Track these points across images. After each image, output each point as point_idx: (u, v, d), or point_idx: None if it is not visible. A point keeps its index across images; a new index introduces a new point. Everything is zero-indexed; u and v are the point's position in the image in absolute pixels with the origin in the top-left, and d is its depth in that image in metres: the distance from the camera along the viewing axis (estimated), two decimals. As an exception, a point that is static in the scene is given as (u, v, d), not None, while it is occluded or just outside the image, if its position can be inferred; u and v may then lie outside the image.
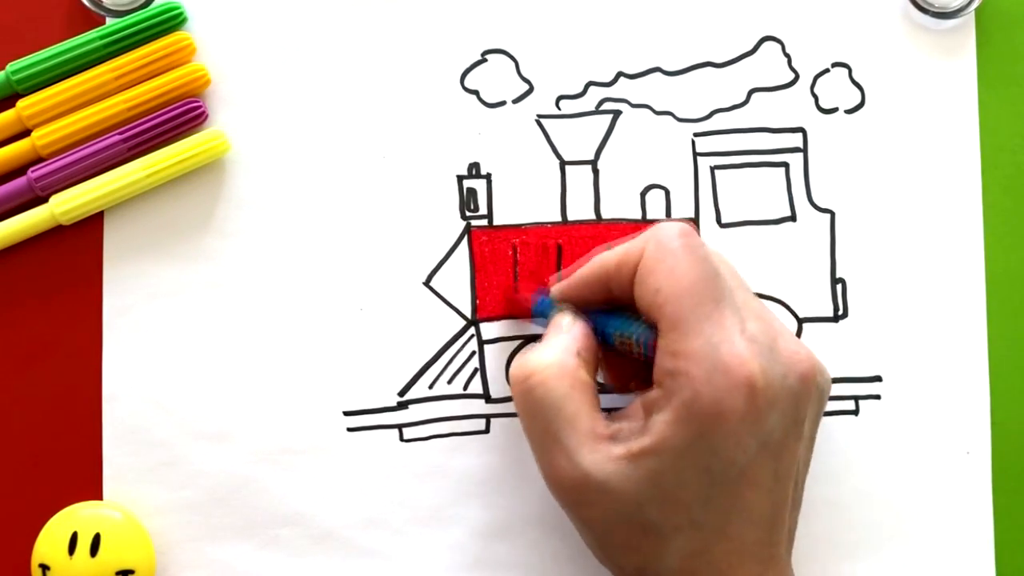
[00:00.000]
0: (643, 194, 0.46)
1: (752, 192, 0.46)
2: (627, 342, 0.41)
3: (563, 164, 0.46)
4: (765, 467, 0.38)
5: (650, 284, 0.39)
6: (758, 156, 0.46)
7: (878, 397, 0.46)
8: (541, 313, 0.43)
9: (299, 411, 0.45)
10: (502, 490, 0.45)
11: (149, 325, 0.45)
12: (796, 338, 0.40)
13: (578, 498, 0.39)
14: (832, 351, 0.46)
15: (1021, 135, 0.47)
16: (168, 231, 0.46)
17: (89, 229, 0.46)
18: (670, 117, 0.46)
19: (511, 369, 0.40)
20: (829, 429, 0.46)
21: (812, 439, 0.41)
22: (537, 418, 0.39)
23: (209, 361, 0.45)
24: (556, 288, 0.43)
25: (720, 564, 0.38)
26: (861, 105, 0.47)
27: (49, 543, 0.44)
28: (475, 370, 0.46)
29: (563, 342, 0.40)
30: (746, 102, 0.46)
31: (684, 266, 0.39)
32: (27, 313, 0.45)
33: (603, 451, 0.38)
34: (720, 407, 0.37)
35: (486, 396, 0.46)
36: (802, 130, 0.46)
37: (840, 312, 0.46)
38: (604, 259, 0.41)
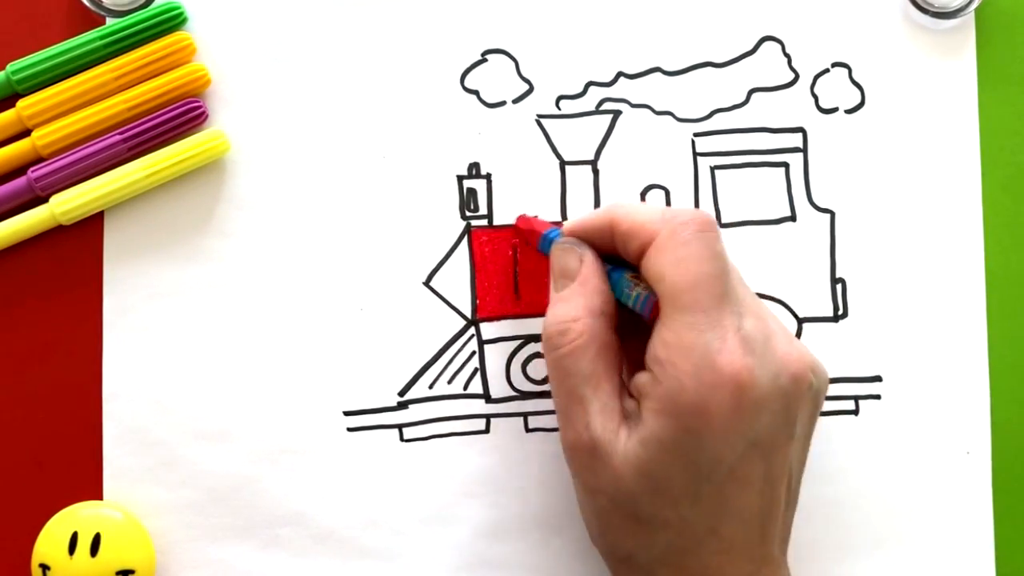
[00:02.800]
0: (643, 194, 0.46)
1: (752, 192, 0.46)
2: (627, 294, 0.41)
3: (563, 164, 0.46)
4: (755, 467, 0.38)
5: (656, 268, 0.39)
6: (758, 156, 0.46)
7: (878, 397, 0.46)
8: (547, 250, 0.43)
9: (299, 411, 0.45)
10: (502, 490, 0.45)
11: (149, 325, 0.45)
12: (793, 337, 0.40)
13: (586, 465, 0.39)
14: (832, 351, 0.46)
15: (1021, 135, 0.47)
16: (168, 231, 0.46)
17: (89, 229, 0.46)
18: (670, 117, 0.46)
19: (544, 330, 0.40)
20: (829, 429, 0.46)
21: (807, 439, 0.41)
22: (565, 383, 0.40)
23: (209, 361, 0.45)
24: (568, 225, 0.42)
25: (709, 562, 0.38)
26: (861, 105, 0.47)
27: (49, 543, 0.44)
28: (475, 370, 0.46)
29: (584, 299, 0.40)
30: (746, 102, 0.46)
31: (693, 260, 0.38)
32: (27, 313, 0.45)
33: (614, 425, 0.38)
34: (705, 404, 0.37)
35: (486, 396, 0.46)
36: (802, 130, 0.46)
37: (840, 312, 0.46)
38: (617, 219, 0.41)
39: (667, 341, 0.38)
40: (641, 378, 0.39)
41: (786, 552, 0.41)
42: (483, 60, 0.46)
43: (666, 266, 0.38)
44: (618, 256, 0.41)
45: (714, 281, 0.38)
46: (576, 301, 0.40)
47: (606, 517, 0.39)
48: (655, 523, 0.38)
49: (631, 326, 0.41)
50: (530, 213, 0.46)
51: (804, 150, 0.46)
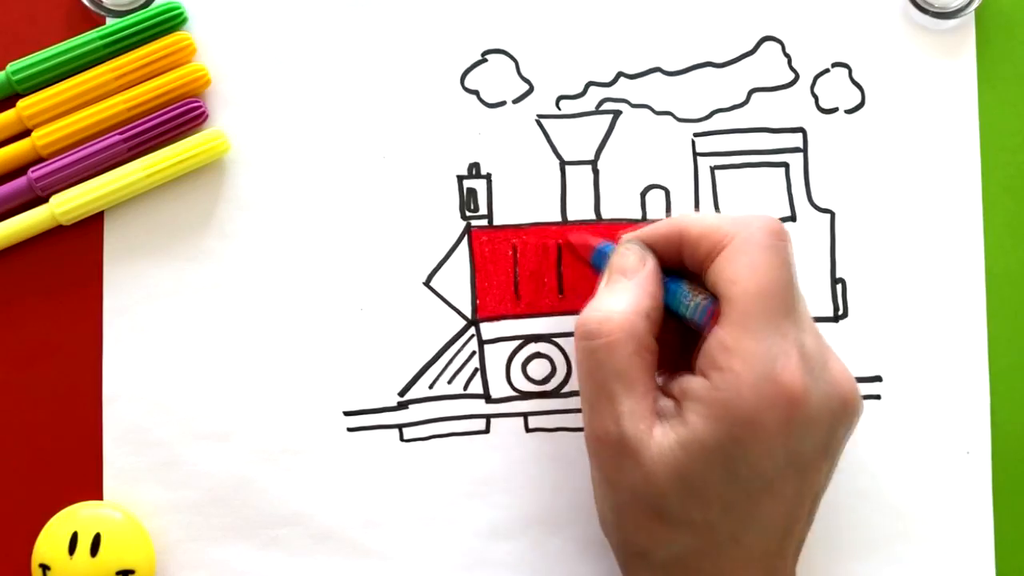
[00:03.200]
0: (643, 194, 0.46)
1: (752, 192, 0.46)
2: (686, 304, 0.40)
3: (563, 164, 0.46)
4: (790, 482, 0.38)
5: (728, 272, 0.38)
6: (758, 156, 0.46)
7: (878, 397, 0.46)
8: (601, 263, 0.43)
9: (299, 411, 0.45)
10: (502, 490, 0.45)
11: (149, 325, 0.45)
12: (841, 360, 0.40)
13: (611, 459, 0.39)
14: (832, 351, 0.46)
15: (1021, 135, 0.47)
16: (168, 231, 0.46)
17: (89, 229, 0.46)
18: (670, 117, 0.46)
19: (579, 320, 0.40)
20: (829, 429, 0.46)
21: (837, 460, 0.40)
22: (595, 375, 0.39)
23: (209, 361, 0.45)
24: (629, 235, 0.42)
25: (724, 568, 0.38)
26: (861, 105, 0.47)
27: (49, 543, 0.44)
28: (475, 370, 0.46)
29: (633, 297, 0.40)
30: (746, 102, 0.46)
31: (766, 267, 0.38)
32: (27, 313, 0.45)
33: (646, 425, 0.38)
34: (759, 416, 0.36)
35: (486, 396, 0.46)
36: (802, 130, 0.46)
37: (840, 312, 0.46)
38: (687, 225, 0.40)
39: (728, 347, 0.37)
40: (692, 382, 0.38)
41: (796, 564, 0.41)
42: (483, 60, 0.46)
43: (740, 269, 0.38)
44: (678, 270, 0.41)
45: (785, 291, 0.38)
46: (624, 296, 0.40)
47: (626, 512, 0.39)
48: (679, 524, 0.38)
49: (671, 335, 0.41)
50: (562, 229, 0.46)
51: (804, 150, 0.46)
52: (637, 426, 0.38)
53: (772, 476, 0.37)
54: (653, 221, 0.45)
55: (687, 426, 0.37)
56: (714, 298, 0.39)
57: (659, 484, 0.37)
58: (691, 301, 0.40)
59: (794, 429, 0.37)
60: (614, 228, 0.46)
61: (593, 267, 0.44)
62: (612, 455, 0.38)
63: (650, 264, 0.41)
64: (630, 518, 0.39)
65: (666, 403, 0.39)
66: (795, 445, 0.37)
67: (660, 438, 0.38)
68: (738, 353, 0.37)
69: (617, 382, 0.38)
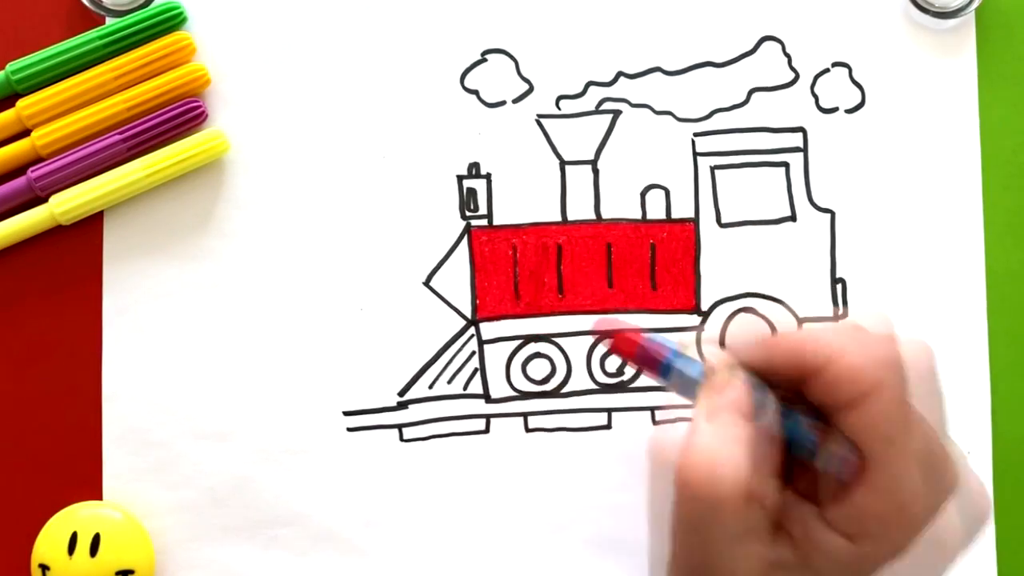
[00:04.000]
0: (643, 194, 0.46)
1: (752, 192, 0.46)
2: (810, 448, 0.35)
3: (563, 164, 0.46)
4: None
5: (882, 430, 0.33)
6: (758, 156, 0.46)
7: None
8: (668, 371, 0.35)
9: (299, 411, 0.45)
10: (502, 490, 0.45)
11: (149, 325, 0.45)
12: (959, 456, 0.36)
13: None
14: (832, 351, 0.46)
15: (1021, 135, 0.47)
16: (168, 231, 0.46)
17: (89, 229, 0.46)
18: (670, 117, 0.46)
19: (683, 466, 0.33)
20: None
21: None
22: (705, 535, 0.33)
23: (209, 361, 0.45)
24: (732, 348, 0.36)
25: None
26: (861, 105, 0.47)
27: (49, 543, 0.44)
28: (475, 370, 0.46)
29: (758, 447, 0.33)
30: (746, 102, 0.46)
31: (923, 424, 0.34)
32: (27, 313, 0.45)
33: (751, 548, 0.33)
34: None
35: (486, 396, 0.46)
36: (802, 130, 0.46)
37: (840, 312, 0.46)
38: (824, 363, 0.33)
39: (882, 517, 0.33)
40: (832, 542, 0.33)
41: None
42: (483, 60, 0.46)
43: (895, 430, 0.33)
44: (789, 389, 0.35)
45: (940, 440, 0.34)
46: (738, 445, 0.33)
47: None
48: None
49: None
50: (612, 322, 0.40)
51: (804, 150, 0.46)
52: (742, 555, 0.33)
53: None
54: (653, 222, 0.45)
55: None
56: (851, 446, 0.34)
57: None
58: (822, 451, 0.34)
59: None
60: (613, 228, 0.46)
61: (661, 377, 0.36)
62: None
63: (771, 407, 0.35)
64: None
65: (784, 553, 0.34)
66: None
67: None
68: (897, 525, 0.33)
69: (735, 548, 0.33)
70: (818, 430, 0.35)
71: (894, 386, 0.33)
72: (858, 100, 0.46)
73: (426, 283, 0.46)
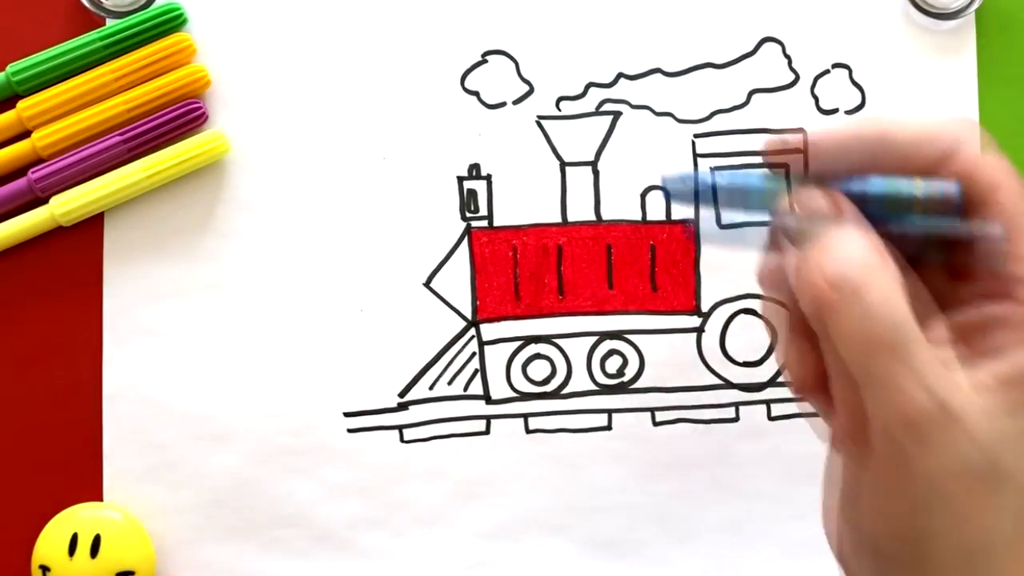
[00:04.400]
0: (643, 195, 0.46)
1: (752, 193, 0.46)
2: (909, 201, 0.32)
3: (563, 165, 0.46)
4: None
5: (987, 176, 0.32)
6: (758, 157, 0.46)
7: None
8: (680, 187, 0.34)
9: (300, 412, 0.45)
10: (502, 491, 0.45)
11: (149, 326, 0.45)
12: None
13: (931, 438, 0.30)
14: (832, 352, 0.46)
15: (1021, 135, 0.47)
16: (168, 232, 0.46)
17: (89, 230, 0.46)
18: (670, 118, 0.46)
19: (814, 277, 0.31)
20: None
21: None
22: (874, 338, 0.30)
23: (209, 361, 0.45)
24: (789, 138, 0.35)
25: None
26: (861, 106, 0.47)
27: (49, 544, 0.44)
28: (475, 371, 0.46)
29: (867, 235, 0.31)
30: (746, 103, 0.46)
31: (1012, 168, 0.32)
32: (27, 314, 0.45)
33: (955, 376, 0.30)
34: None
35: (486, 397, 0.46)
36: (803, 131, 0.46)
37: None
38: (890, 129, 0.33)
39: None
40: (991, 310, 0.31)
41: None
42: (483, 61, 0.46)
43: (997, 170, 0.32)
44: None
45: None
46: (854, 238, 0.31)
47: (948, 502, 0.31)
48: (1011, 484, 0.30)
49: None
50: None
51: (805, 151, 0.46)
52: (948, 383, 0.30)
53: None
54: (653, 223, 0.45)
55: (1007, 360, 0.30)
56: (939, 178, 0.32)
57: (989, 445, 0.30)
58: (917, 189, 0.32)
59: None
60: (613, 229, 0.46)
61: (669, 194, 0.37)
62: (931, 432, 0.30)
63: (838, 196, 0.33)
64: (950, 508, 0.30)
65: (951, 350, 0.31)
66: None
67: (980, 383, 0.30)
68: None
69: (908, 337, 0.30)
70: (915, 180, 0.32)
71: (972, 135, 0.32)
72: (858, 101, 0.46)
73: (426, 284, 0.46)
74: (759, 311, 0.46)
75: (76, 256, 0.46)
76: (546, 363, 0.46)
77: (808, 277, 0.31)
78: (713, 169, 0.33)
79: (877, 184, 0.32)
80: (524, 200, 0.46)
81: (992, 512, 0.30)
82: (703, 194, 0.34)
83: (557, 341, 0.46)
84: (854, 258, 0.31)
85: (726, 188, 0.33)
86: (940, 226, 0.32)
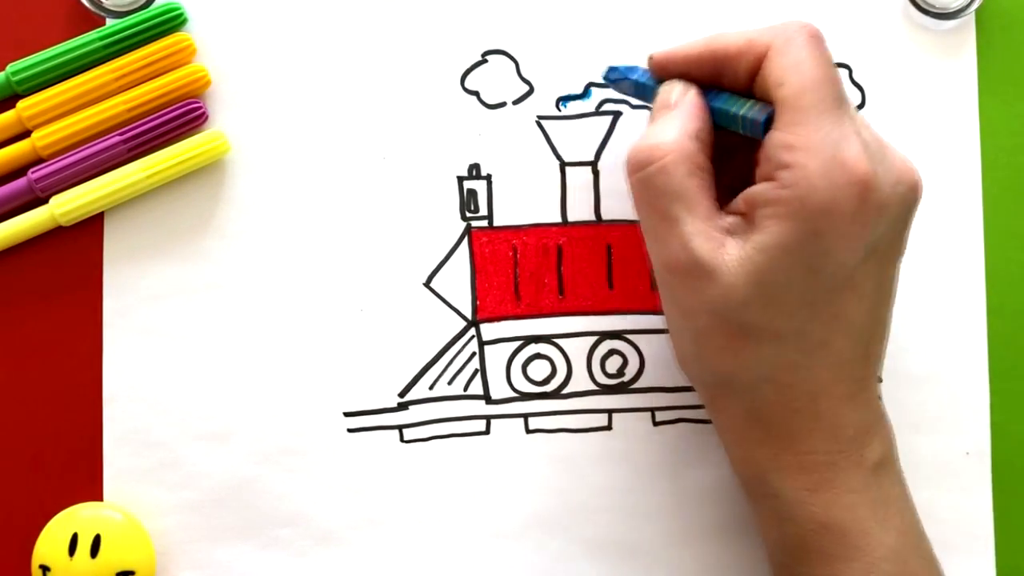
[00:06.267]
0: (643, 195, 0.46)
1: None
2: (735, 113, 0.40)
3: (563, 165, 0.46)
4: (870, 276, 0.38)
5: (775, 75, 0.38)
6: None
7: (878, 397, 0.46)
8: (621, 78, 0.43)
9: (299, 412, 0.45)
10: (502, 491, 0.45)
11: (149, 326, 0.45)
12: (898, 150, 0.40)
13: (686, 284, 0.38)
14: (832, 352, 0.46)
15: (1021, 135, 0.47)
16: (168, 232, 0.46)
17: (89, 230, 0.46)
18: (670, 118, 0.46)
19: (629, 154, 0.39)
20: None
21: (903, 253, 0.40)
22: (656, 204, 0.38)
23: (209, 361, 0.45)
24: (659, 56, 0.41)
25: (817, 378, 0.38)
26: (861, 106, 0.47)
27: (49, 544, 0.44)
28: (475, 371, 0.46)
29: (680, 122, 0.39)
30: (746, 103, 0.47)
31: (810, 63, 0.38)
32: (27, 314, 0.45)
33: (717, 240, 0.38)
34: (834, 203, 0.36)
35: (486, 397, 0.46)
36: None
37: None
38: (723, 43, 0.40)
39: (791, 144, 0.37)
40: (758, 189, 0.38)
41: (880, 379, 0.40)
42: (483, 61, 0.46)
43: (786, 70, 0.38)
44: (716, 86, 0.41)
45: (833, 83, 0.38)
46: (671, 124, 0.39)
47: (706, 338, 0.39)
48: (765, 337, 0.38)
49: (720, 156, 0.41)
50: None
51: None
52: (706, 245, 0.37)
53: (853, 268, 0.37)
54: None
55: (763, 231, 0.37)
56: (761, 106, 0.39)
57: (740, 297, 0.37)
58: (742, 109, 0.39)
59: (869, 213, 0.37)
60: (613, 229, 0.46)
61: (608, 82, 0.44)
62: (686, 280, 0.38)
63: (692, 90, 0.40)
64: (712, 343, 0.39)
65: (732, 220, 0.38)
66: (871, 232, 0.37)
67: (734, 251, 0.37)
68: (801, 147, 0.37)
69: (678, 204, 0.38)
70: (740, 100, 0.40)
71: (778, 42, 0.38)
72: (858, 101, 0.46)
73: (426, 284, 0.46)
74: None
75: (76, 256, 0.46)
76: (546, 363, 0.46)
77: (630, 149, 0.39)
78: (637, 69, 0.42)
79: (714, 99, 0.40)
80: (524, 200, 0.46)
81: (746, 356, 0.38)
82: (628, 85, 0.43)
83: (557, 341, 0.46)
84: (660, 140, 0.38)
85: (633, 81, 0.42)
86: (736, 121, 0.40)
